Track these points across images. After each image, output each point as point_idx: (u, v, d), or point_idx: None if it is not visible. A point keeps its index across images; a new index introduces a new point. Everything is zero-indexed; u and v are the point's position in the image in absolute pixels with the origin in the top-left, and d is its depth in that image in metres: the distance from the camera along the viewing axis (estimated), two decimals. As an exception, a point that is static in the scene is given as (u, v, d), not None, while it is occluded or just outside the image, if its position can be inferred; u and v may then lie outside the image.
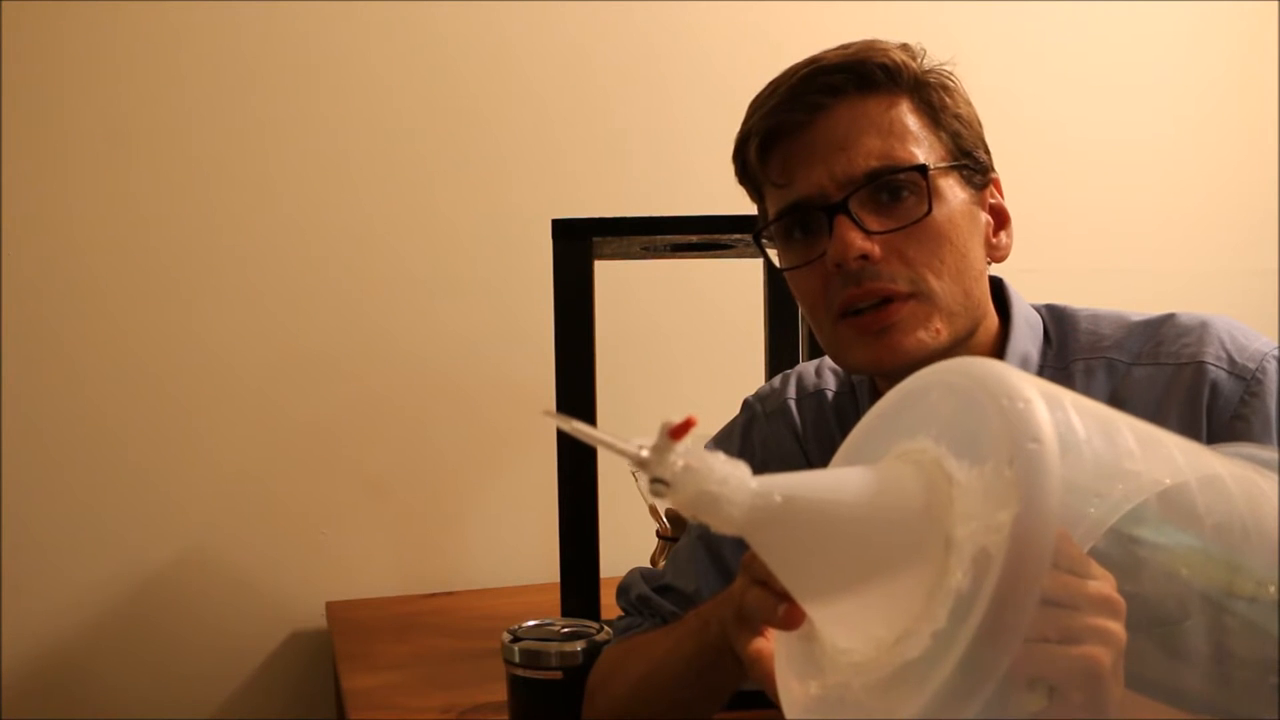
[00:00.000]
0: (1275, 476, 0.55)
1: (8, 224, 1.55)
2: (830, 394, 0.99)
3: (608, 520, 1.23)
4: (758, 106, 0.87)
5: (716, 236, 1.24)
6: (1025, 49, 2.01)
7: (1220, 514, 0.51)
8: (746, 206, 0.95)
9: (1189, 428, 0.82)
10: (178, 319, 1.61)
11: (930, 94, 0.85)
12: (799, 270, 0.86)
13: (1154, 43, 2.08)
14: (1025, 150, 1.97)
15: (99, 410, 1.58)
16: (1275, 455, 0.57)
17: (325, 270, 1.67)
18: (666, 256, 1.35)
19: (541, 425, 1.26)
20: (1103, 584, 0.49)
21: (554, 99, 1.76)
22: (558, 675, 0.95)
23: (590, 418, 1.21)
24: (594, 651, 0.96)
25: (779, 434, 1.00)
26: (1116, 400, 0.85)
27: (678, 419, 0.46)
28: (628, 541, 1.41)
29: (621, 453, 0.46)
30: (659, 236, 1.25)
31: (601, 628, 1.00)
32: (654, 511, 1.33)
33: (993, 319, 0.89)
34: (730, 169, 0.92)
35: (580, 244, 1.20)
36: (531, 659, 0.96)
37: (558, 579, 1.21)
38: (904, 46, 0.86)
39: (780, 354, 1.37)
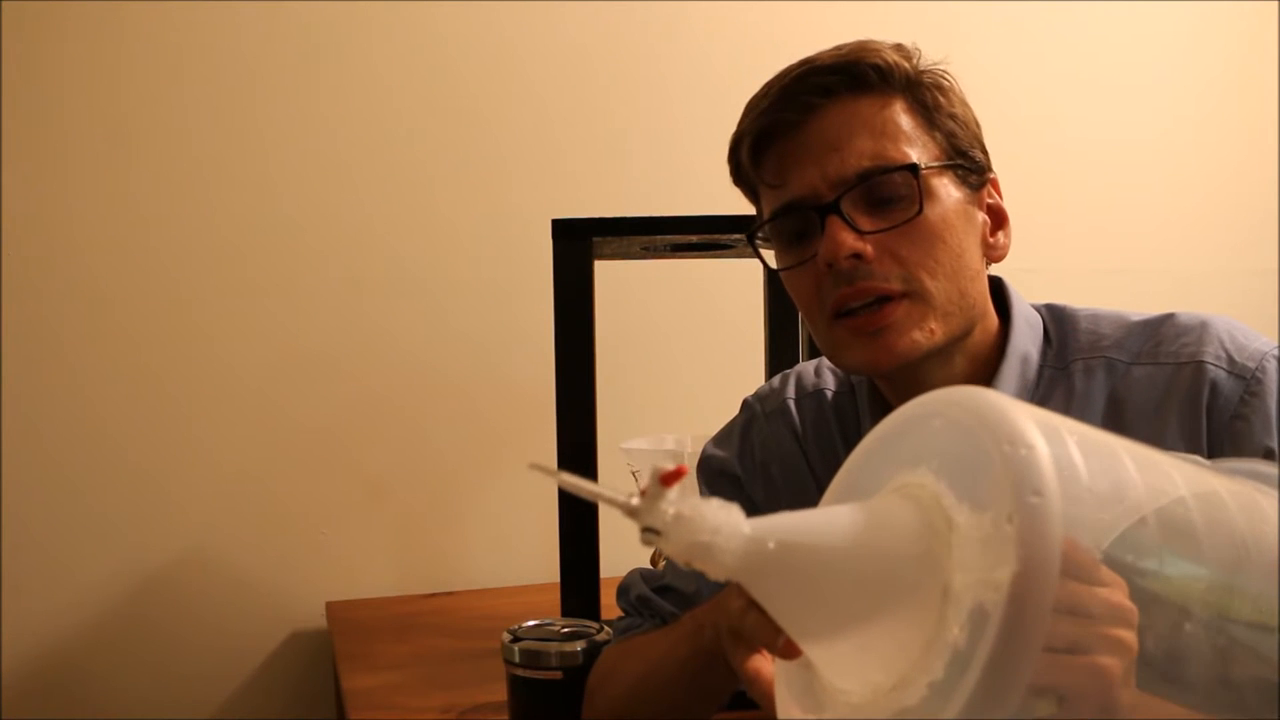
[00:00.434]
0: (1275, 493, 0.54)
1: (8, 224, 1.55)
2: (830, 393, 0.99)
3: (608, 520, 1.22)
4: (751, 108, 0.87)
5: (716, 236, 1.24)
6: (1025, 49, 2.01)
7: (1219, 534, 0.50)
8: (746, 206, 0.94)
9: (1188, 427, 0.82)
10: (177, 319, 1.61)
11: (924, 94, 0.85)
12: (793, 271, 0.86)
13: (1154, 43, 2.08)
14: (1025, 150, 1.97)
15: (99, 410, 1.58)
16: (1276, 471, 0.57)
17: (325, 270, 1.67)
18: (666, 256, 1.35)
19: (541, 425, 1.26)
20: (1113, 591, 0.49)
21: (554, 99, 1.76)
22: (558, 675, 0.95)
23: (590, 418, 1.21)
24: (594, 651, 0.96)
25: (778, 434, 1.00)
26: (1116, 399, 0.85)
27: (670, 465, 0.46)
28: (628, 541, 1.39)
29: (612, 503, 0.46)
30: (659, 236, 1.25)
31: (601, 628, 1.00)
32: (656, 559, 1.34)
33: (992, 319, 0.89)
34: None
35: (580, 244, 1.20)
36: (531, 659, 0.96)
37: (558, 579, 1.20)
38: (898, 47, 0.86)
39: (780, 354, 1.37)
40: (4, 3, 1.53)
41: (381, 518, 1.70)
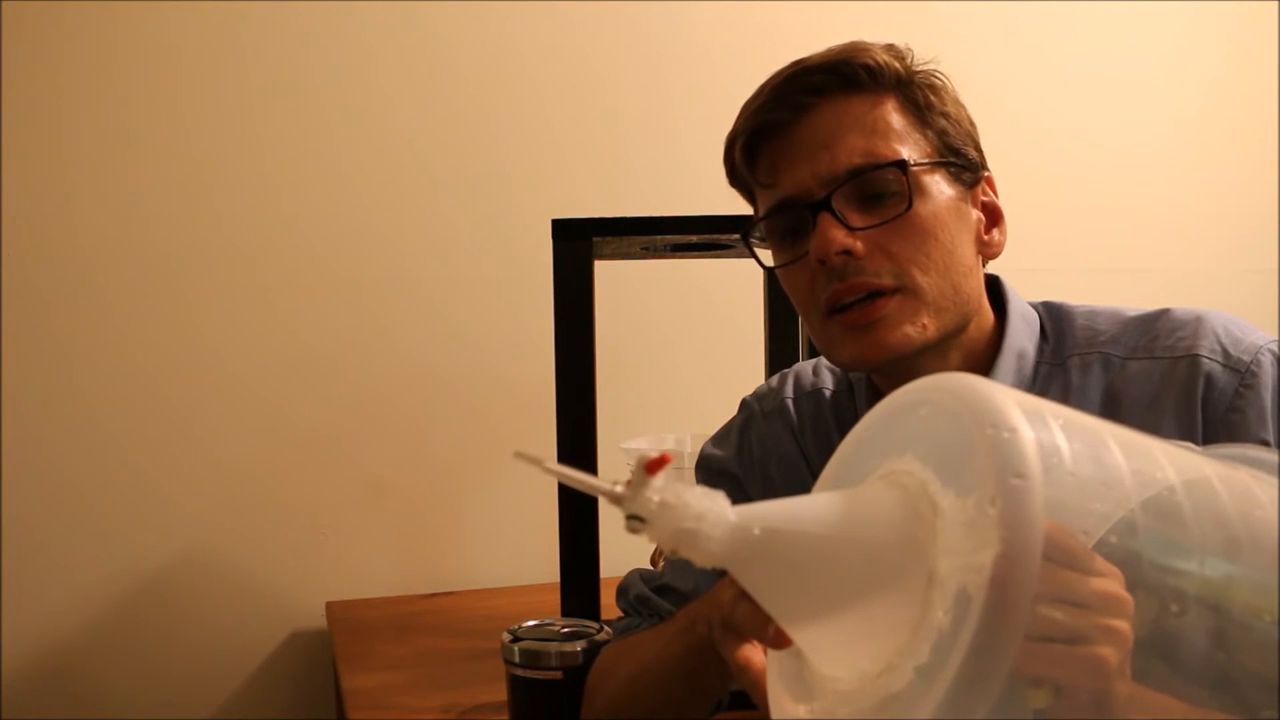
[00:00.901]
0: (1274, 480, 0.54)
1: (8, 224, 1.55)
2: (828, 393, 0.99)
3: (608, 520, 1.23)
4: (745, 109, 0.88)
5: (716, 236, 1.24)
6: (1025, 49, 2.01)
7: (1207, 521, 0.50)
8: (746, 206, 0.95)
9: (1184, 421, 0.82)
10: (178, 318, 1.61)
11: (916, 93, 0.85)
12: (787, 268, 0.87)
13: (1154, 43, 2.08)
14: (1025, 150, 1.97)
15: (99, 410, 1.58)
16: (1274, 458, 0.57)
17: (326, 270, 1.67)
18: (666, 256, 1.35)
19: (541, 425, 1.26)
20: (1108, 580, 0.48)
21: (554, 99, 1.77)
22: (558, 675, 0.95)
23: (590, 418, 1.21)
24: (594, 651, 0.96)
25: (777, 433, 1.00)
26: (1112, 394, 0.85)
27: (654, 454, 0.46)
28: (628, 541, 1.39)
29: (597, 491, 0.46)
30: (659, 236, 1.25)
31: (601, 628, 1.00)
32: (655, 559, 1.34)
33: (988, 315, 0.89)
34: (728, 169, 0.92)
35: (580, 244, 1.20)
36: (531, 659, 0.96)
37: (558, 579, 1.20)
38: (889, 47, 0.86)
39: (780, 354, 1.38)
40: (4, 3, 1.53)
41: (382, 517, 1.71)
